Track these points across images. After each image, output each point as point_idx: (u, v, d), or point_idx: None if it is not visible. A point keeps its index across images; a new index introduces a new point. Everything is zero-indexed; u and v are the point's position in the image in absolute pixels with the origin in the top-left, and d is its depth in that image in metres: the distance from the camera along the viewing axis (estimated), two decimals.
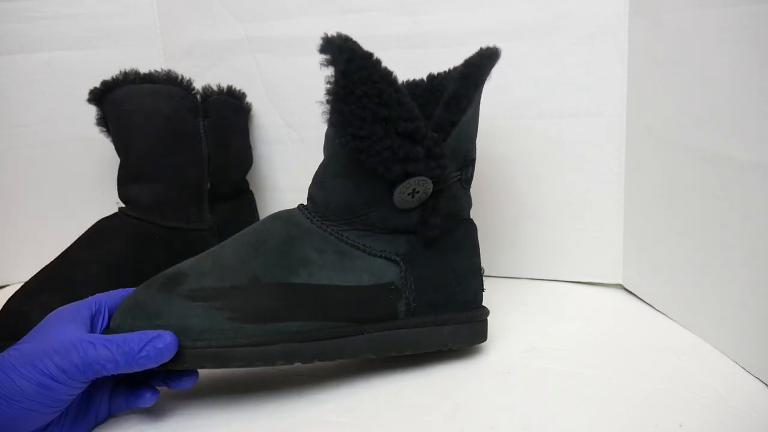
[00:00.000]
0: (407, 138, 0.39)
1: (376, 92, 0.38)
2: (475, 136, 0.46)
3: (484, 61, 0.42)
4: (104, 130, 0.59)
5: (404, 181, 0.40)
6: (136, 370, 0.36)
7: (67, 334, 0.36)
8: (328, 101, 0.39)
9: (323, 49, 0.39)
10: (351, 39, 0.39)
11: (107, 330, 0.40)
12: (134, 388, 0.40)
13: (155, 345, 0.36)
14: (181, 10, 0.65)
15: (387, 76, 0.39)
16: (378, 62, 0.39)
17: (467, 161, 0.45)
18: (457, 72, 0.42)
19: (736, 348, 0.44)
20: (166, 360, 0.37)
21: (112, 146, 0.58)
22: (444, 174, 0.41)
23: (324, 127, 0.44)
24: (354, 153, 0.39)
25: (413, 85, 0.49)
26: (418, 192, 0.41)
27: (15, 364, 0.33)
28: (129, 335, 0.37)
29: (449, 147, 0.41)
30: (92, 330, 0.39)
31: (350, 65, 0.38)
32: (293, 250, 0.42)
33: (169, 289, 0.40)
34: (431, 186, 0.41)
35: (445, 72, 0.48)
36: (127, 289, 0.42)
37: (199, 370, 0.41)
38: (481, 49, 0.43)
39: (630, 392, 0.41)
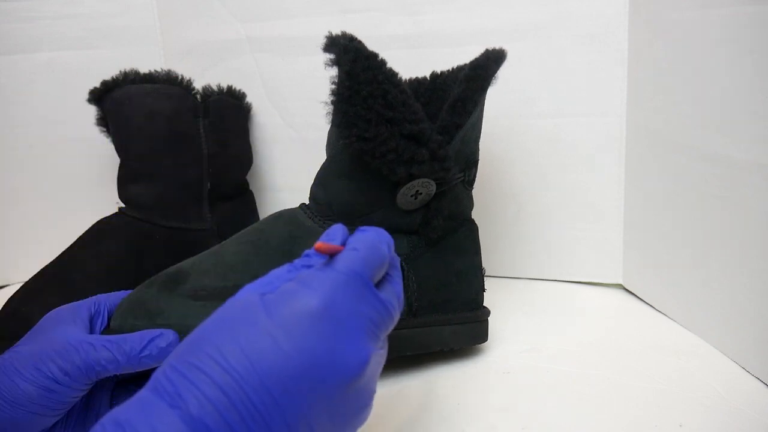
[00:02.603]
0: (412, 140, 0.39)
1: (381, 93, 0.38)
2: (479, 138, 0.46)
3: (490, 62, 0.42)
4: (104, 130, 0.59)
5: (408, 183, 0.40)
6: (138, 369, 0.36)
7: (67, 335, 0.36)
8: (332, 102, 0.39)
9: (327, 49, 0.38)
10: (356, 38, 0.39)
11: (107, 330, 0.39)
12: (136, 387, 0.40)
13: (158, 344, 0.36)
14: (181, 10, 0.65)
15: (392, 77, 0.39)
16: (383, 63, 0.39)
17: (470, 163, 0.45)
18: (463, 74, 0.42)
19: (736, 348, 0.44)
20: None
21: (112, 146, 0.58)
22: (448, 176, 0.41)
23: (325, 127, 0.44)
24: (358, 154, 0.39)
25: (416, 84, 0.49)
26: (421, 193, 0.41)
27: (18, 368, 0.33)
28: (130, 335, 0.37)
29: (453, 149, 0.41)
30: (91, 331, 0.39)
31: (355, 66, 0.38)
32: (295, 249, 0.41)
33: (171, 288, 0.40)
34: (434, 188, 0.41)
35: (448, 70, 0.48)
36: (126, 291, 0.42)
37: None
38: (486, 50, 0.43)
39: (630, 392, 0.41)
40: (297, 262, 0.30)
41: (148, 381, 0.24)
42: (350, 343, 0.26)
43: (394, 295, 0.30)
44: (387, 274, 0.31)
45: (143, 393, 0.24)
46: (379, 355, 0.28)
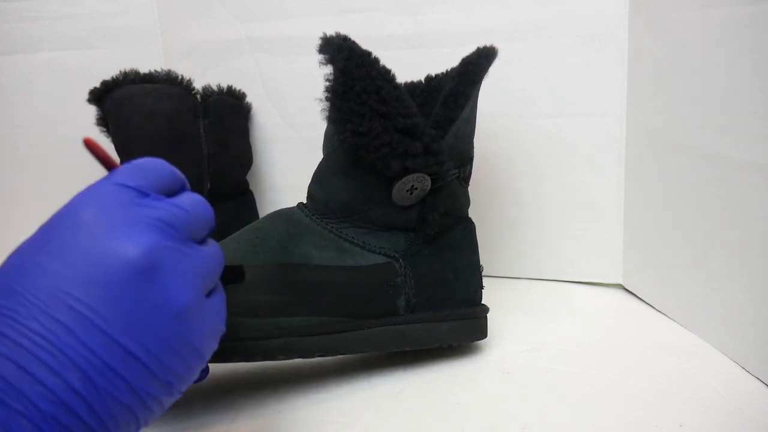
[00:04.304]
0: (406, 134, 0.39)
1: (374, 89, 0.39)
2: (473, 134, 0.46)
3: (481, 59, 0.43)
4: (104, 130, 0.59)
5: (402, 178, 0.41)
6: None
7: None
8: (327, 98, 0.40)
9: (322, 49, 0.39)
10: (349, 38, 0.40)
11: None
12: None
13: None
14: (181, 10, 0.65)
15: (385, 73, 0.40)
16: (376, 60, 0.40)
17: (465, 159, 0.45)
18: (455, 70, 0.42)
19: (736, 348, 0.44)
20: None
21: (112, 146, 0.58)
22: (442, 170, 0.41)
23: (324, 127, 0.44)
24: (353, 149, 0.40)
25: (411, 87, 0.49)
26: (416, 189, 0.42)
27: None
28: None
29: (447, 144, 0.42)
30: None
31: (349, 63, 0.38)
32: (293, 247, 0.42)
33: None
34: (429, 183, 0.42)
35: (442, 73, 0.48)
36: None
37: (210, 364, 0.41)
38: (478, 48, 0.44)
39: (630, 392, 0.41)
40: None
41: None
42: (126, 238, 0.24)
43: (188, 198, 0.28)
44: (182, 189, 0.30)
45: None
46: (192, 256, 0.27)
